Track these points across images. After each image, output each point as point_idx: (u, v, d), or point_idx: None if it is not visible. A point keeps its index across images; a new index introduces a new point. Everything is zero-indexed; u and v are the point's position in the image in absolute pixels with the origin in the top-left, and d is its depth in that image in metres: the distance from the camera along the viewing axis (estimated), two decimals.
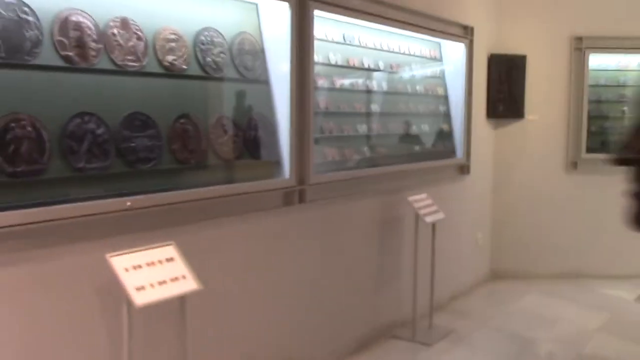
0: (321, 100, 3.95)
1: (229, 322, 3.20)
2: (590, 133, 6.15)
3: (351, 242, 4.13)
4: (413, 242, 4.46)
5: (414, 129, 4.98)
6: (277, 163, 3.52)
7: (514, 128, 6.08)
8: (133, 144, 2.74)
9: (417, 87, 5.06)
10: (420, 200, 4.49)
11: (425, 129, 5.13)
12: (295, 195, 3.56)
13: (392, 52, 4.71)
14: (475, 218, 5.86)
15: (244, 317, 3.30)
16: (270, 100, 3.53)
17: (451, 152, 5.42)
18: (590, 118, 6.14)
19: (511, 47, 5.98)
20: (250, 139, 3.39)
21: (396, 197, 4.53)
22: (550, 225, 6.11)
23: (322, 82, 3.96)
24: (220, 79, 3.26)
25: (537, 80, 6.02)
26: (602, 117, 6.31)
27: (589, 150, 6.11)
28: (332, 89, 4.09)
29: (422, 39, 5.07)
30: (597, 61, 6.22)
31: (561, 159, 6.11)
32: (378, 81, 4.57)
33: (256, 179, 3.36)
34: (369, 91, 4.48)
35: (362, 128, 4.34)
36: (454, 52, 5.44)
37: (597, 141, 6.24)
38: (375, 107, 4.50)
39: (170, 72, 2.96)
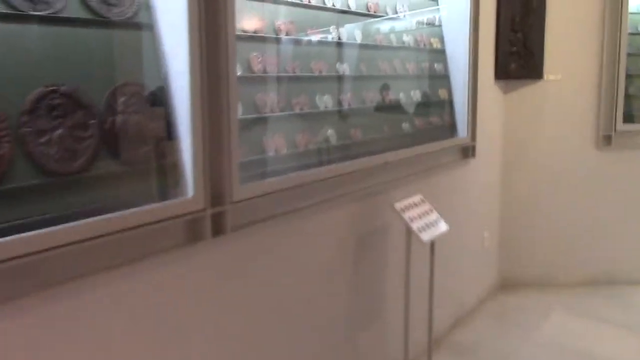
0: (255, 58, 2.43)
1: None
2: (627, 97, 4.70)
3: (309, 280, 2.66)
4: (403, 265, 3.01)
5: (401, 99, 3.48)
6: (172, 170, 2.02)
7: (529, 92, 4.61)
8: None
9: (405, 39, 3.55)
10: (412, 206, 3.03)
11: (415, 97, 3.63)
12: (207, 223, 2.07)
13: None
14: (481, 213, 4.43)
15: None
16: (156, 59, 2.01)
17: (451, 130, 3.95)
18: (628, 77, 4.68)
19: None
20: (115, 130, 1.87)
21: (378, 200, 3.07)
22: (576, 218, 4.71)
23: (254, 29, 2.44)
24: (48, 21, 1.72)
25: (561, 27, 4.54)
26: None
27: (627, 119, 4.67)
28: (273, 40, 2.57)
29: None
30: (636, 2, 4.74)
31: (591, 131, 4.67)
32: (348, 29, 3.05)
33: (128, 205, 1.85)
34: (334, 44, 2.96)
35: (325, 101, 2.83)
36: None
37: (637, 107, 4.80)
38: (343, 68, 2.98)
39: None
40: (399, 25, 3.52)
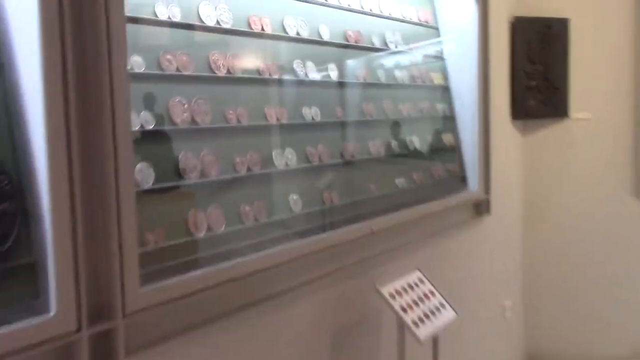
0: (178, 104, 1.79)
1: None
2: None
3: None
4: None
5: (394, 148, 2.81)
6: (27, 275, 1.36)
7: (553, 133, 3.91)
8: None
9: (398, 74, 2.91)
10: (406, 288, 2.33)
11: (412, 145, 2.97)
12: (82, 350, 1.39)
13: (350, 9, 2.57)
14: (500, 279, 3.70)
15: None
16: (4, 104, 1.37)
17: (460, 182, 3.26)
18: None
19: (545, 7, 3.82)
20: None
21: (361, 283, 2.37)
22: (614, 281, 3.94)
23: (178, 66, 1.80)
24: None
25: (588, 56, 3.86)
26: None
27: None
28: (208, 80, 1.93)
29: None
30: None
31: (628, 177, 3.93)
32: (319, 64, 2.40)
33: None
34: (298, 82, 2.31)
35: (286, 157, 2.17)
36: (457, 14, 3.29)
37: None
38: (312, 113, 2.32)
39: None
40: (391, 58, 2.88)
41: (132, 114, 1.61)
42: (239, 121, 1.97)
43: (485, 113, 3.30)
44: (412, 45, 3.03)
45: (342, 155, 2.44)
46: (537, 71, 3.75)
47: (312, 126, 2.31)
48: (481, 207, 3.31)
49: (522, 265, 3.94)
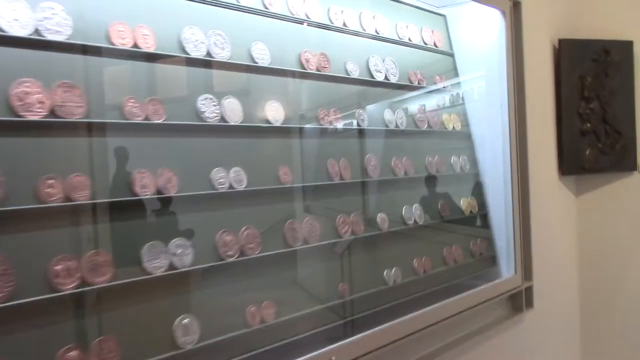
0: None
1: None
2: None
3: None
4: None
5: (379, 223, 1.91)
6: None
7: (617, 193, 2.95)
8: None
9: (388, 117, 2.03)
10: None
11: (412, 217, 2.05)
12: None
13: (324, 26, 1.74)
14: None
15: None
16: None
17: (487, 266, 2.33)
18: None
19: (602, 27, 2.91)
20: None
21: None
22: None
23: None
24: None
25: None
26: None
27: None
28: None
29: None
30: None
31: None
32: (252, 97, 1.56)
33: None
34: (210, 127, 1.46)
35: (180, 258, 1.30)
36: (479, 36, 2.43)
37: None
38: (230, 178, 1.46)
39: None
40: (377, 94, 2.02)
41: None
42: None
43: (522, 169, 2.39)
44: (412, 76, 2.16)
45: (285, 241, 1.56)
46: (593, 111, 2.82)
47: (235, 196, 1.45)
48: (520, 300, 2.36)
49: None
